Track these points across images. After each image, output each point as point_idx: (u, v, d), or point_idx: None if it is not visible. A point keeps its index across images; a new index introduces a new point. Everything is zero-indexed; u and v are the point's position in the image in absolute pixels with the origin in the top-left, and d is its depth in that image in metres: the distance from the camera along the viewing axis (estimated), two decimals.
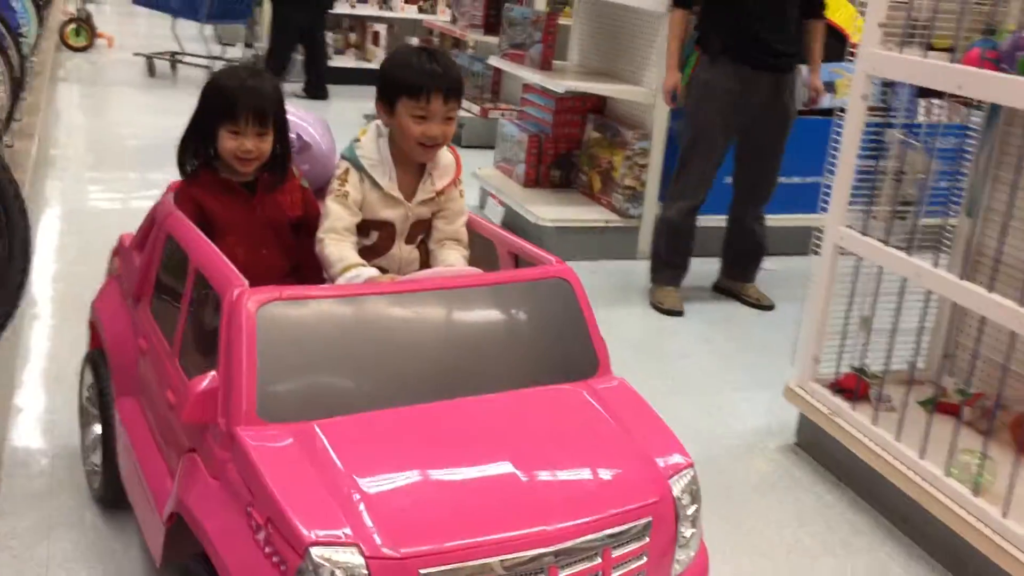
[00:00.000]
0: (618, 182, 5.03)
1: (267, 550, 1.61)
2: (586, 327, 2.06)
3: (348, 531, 1.57)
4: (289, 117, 2.41)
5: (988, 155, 2.99)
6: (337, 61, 9.68)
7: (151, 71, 9.16)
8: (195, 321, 2.04)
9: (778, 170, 4.43)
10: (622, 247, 5.00)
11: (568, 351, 2.05)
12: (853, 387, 3.02)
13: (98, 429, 2.47)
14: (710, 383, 3.65)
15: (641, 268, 4.93)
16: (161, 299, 2.27)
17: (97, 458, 2.49)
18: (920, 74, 2.70)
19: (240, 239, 2.25)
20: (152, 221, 2.37)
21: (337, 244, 2.25)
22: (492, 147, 5.91)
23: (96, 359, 2.48)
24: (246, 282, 1.86)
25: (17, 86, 4.74)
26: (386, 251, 2.37)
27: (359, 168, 2.30)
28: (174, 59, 9.32)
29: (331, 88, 9.03)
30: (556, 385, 1.98)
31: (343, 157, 2.34)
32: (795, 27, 4.22)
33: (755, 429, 3.33)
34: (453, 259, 2.35)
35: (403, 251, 2.39)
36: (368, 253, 2.33)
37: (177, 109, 8.47)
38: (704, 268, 4.67)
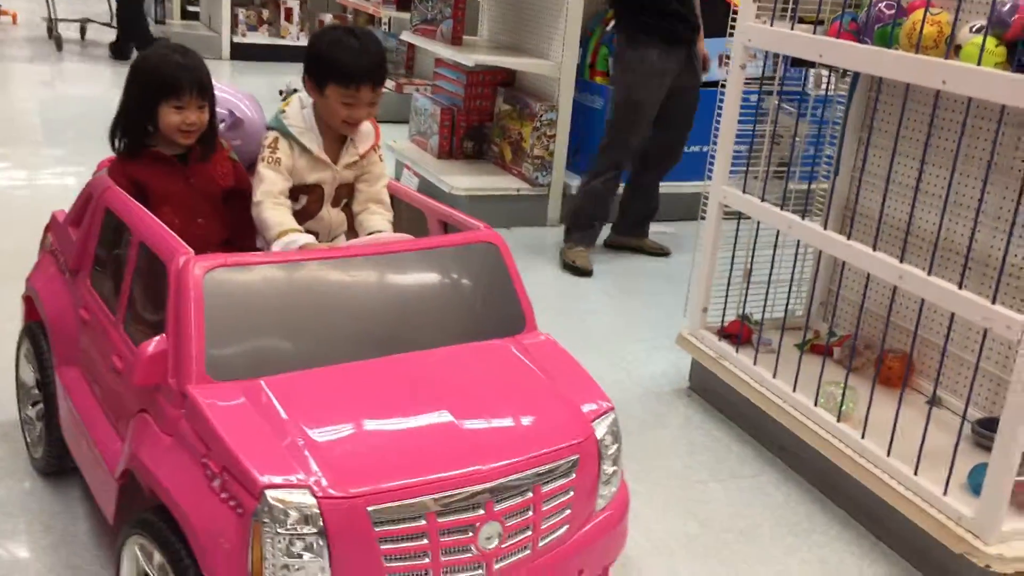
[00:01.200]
0: (528, 152, 5.18)
1: (223, 495, 1.70)
2: (513, 287, 2.18)
3: (300, 475, 1.68)
4: (221, 94, 2.50)
5: (854, 120, 3.31)
6: (250, 37, 9.67)
7: (58, 45, 9.16)
8: (139, 290, 2.10)
9: (688, 138, 4.74)
10: (532, 214, 5.17)
11: (497, 310, 2.18)
12: (738, 332, 3.33)
13: (38, 400, 2.54)
14: (614, 336, 3.88)
15: (550, 234, 5.15)
16: (101, 271, 2.33)
17: (37, 428, 2.55)
18: (788, 45, 2.96)
19: (176, 210, 2.32)
20: (88, 197, 2.41)
21: (275, 208, 2.33)
22: (406, 121, 6.01)
23: (35, 331, 2.51)
24: (191, 250, 1.93)
25: None
26: (315, 214, 2.47)
27: (288, 136, 2.39)
28: (83, 25, 9.45)
29: (245, 64, 9.06)
30: (486, 341, 2.11)
31: (270, 127, 2.43)
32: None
33: (653, 375, 3.57)
34: (379, 224, 2.46)
35: (331, 214, 2.50)
36: (298, 217, 2.42)
37: (84, 83, 8.35)
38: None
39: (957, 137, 2.51)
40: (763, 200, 3.05)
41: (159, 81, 2.30)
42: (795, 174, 3.38)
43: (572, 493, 1.91)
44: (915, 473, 2.49)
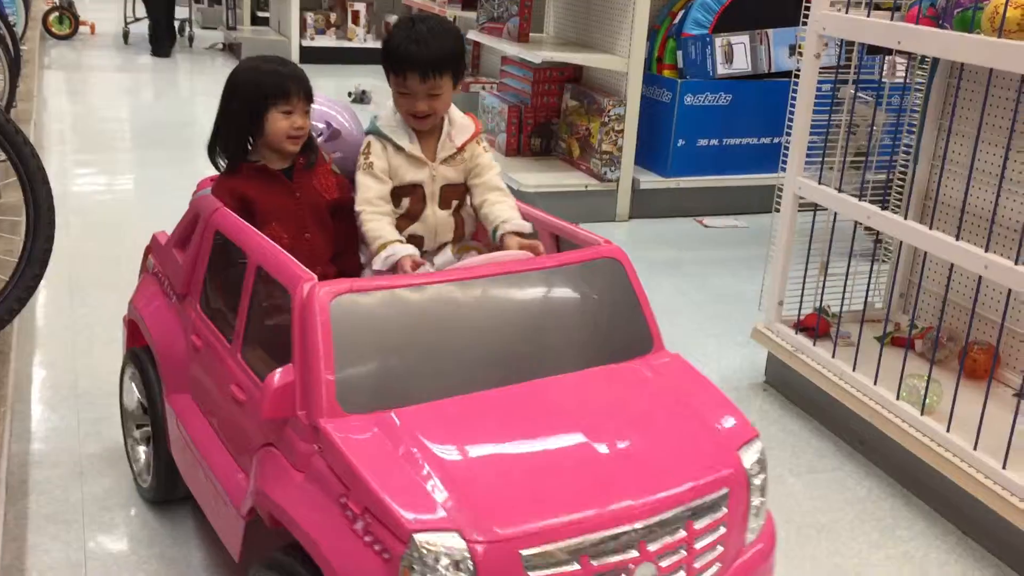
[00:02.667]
0: (596, 148, 5.12)
1: (367, 539, 1.59)
2: (639, 305, 2.05)
3: (447, 516, 1.56)
4: (317, 106, 2.40)
5: (933, 107, 3.23)
6: (319, 41, 9.81)
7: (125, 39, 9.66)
8: (257, 316, 1.99)
9: None
10: (600, 210, 5.09)
11: (624, 330, 2.05)
12: (814, 326, 3.28)
13: (143, 424, 2.46)
14: (688, 332, 3.78)
15: (619, 229, 5.10)
16: (212, 296, 2.22)
17: (143, 455, 2.47)
18: (864, 32, 2.90)
19: (284, 225, 2.24)
20: (194, 218, 2.30)
21: (375, 219, 2.24)
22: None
23: (141, 357, 2.41)
24: (314, 276, 1.82)
25: (14, 73, 4.90)
26: (419, 215, 2.34)
27: (380, 136, 2.29)
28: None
29: (314, 68, 9.21)
30: (621, 363, 1.98)
31: (366, 133, 2.33)
32: None
33: (729, 370, 3.47)
34: (506, 212, 2.31)
35: (437, 216, 2.35)
36: (402, 221, 2.32)
37: (159, 92, 8.59)
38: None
39: None
40: (840, 191, 3.01)
41: (266, 87, 2.22)
42: (872, 164, 3.33)
43: (723, 529, 1.77)
44: (1003, 467, 2.41)
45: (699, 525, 1.72)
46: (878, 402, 2.81)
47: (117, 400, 2.69)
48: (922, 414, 2.68)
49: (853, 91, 3.19)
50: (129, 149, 6.23)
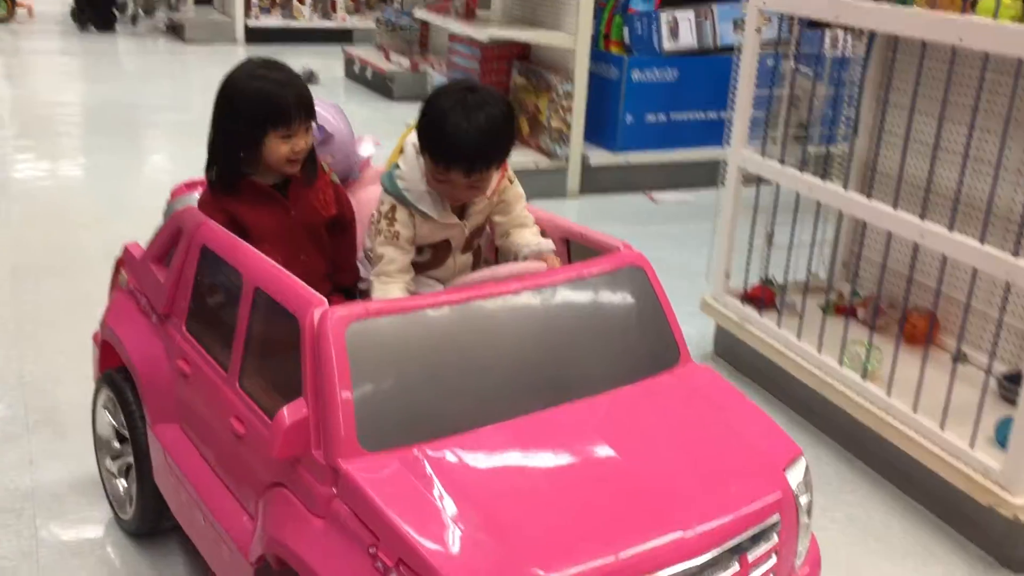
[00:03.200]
0: (545, 125, 5.05)
1: None
2: (664, 314, 1.88)
3: (491, 567, 1.39)
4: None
5: (872, 80, 3.30)
6: (264, 20, 9.66)
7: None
8: (257, 343, 1.78)
9: None
10: (552, 187, 5.01)
11: (652, 341, 1.88)
12: (760, 296, 3.33)
13: (119, 454, 2.26)
14: None
15: (570, 206, 5.05)
16: (201, 317, 1.98)
17: (120, 485, 2.27)
18: (804, 6, 2.91)
19: (277, 246, 1.97)
20: (175, 232, 2.06)
21: (385, 286, 1.98)
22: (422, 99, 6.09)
23: (117, 381, 2.17)
24: (324, 300, 1.61)
25: None
26: (442, 263, 2.09)
27: (406, 203, 1.97)
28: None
29: (259, 48, 9.10)
30: (650, 379, 1.82)
31: (386, 191, 1.99)
32: None
33: None
34: (526, 238, 2.08)
35: (458, 260, 2.10)
36: (421, 268, 2.06)
37: (102, 75, 8.46)
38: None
39: (975, 93, 2.51)
40: (782, 163, 3.06)
41: (266, 110, 1.94)
42: (814, 137, 3.39)
43: (775, 558, 1.62)
44: (942, 428, 2.42)
45: (753, 556, 1.57)
46: (822, 369, 2.84)
47: (66, 388, 2.56)
48: (864, 379, 2.74)
49: (794, 65, 3.25)
50: (72, 134, 6.04)
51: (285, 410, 1.57)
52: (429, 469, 1.53)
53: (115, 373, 2.22)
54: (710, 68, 5.18)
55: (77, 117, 6.50)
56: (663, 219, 4.95)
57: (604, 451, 1.62)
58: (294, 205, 2.05)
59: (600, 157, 5.19)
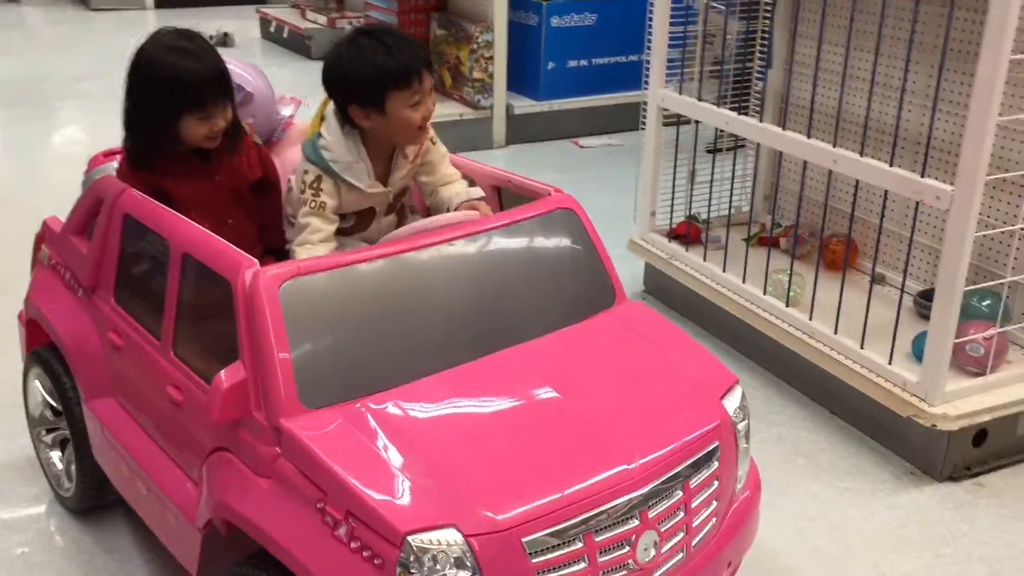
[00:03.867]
0: (467, 76, 5.01)
1: (353, 545, 1.41)
2: (598, 256, 1.90)
3: (440, 511, 1.40)
4: (228, 67, 2.06)
5: (782, 12, 3.35)
6: None
7: None
8: (188, 309, 1.75)
9: None
10: (477, 137, 4.99)
11: (587, 283, 1.89)
12: (686, 233, 3.41)
13: (54, 428, 2.23)
14: None
15: (498, 155, 5.01)
16: (128, 288, 1.95)
17: (57, 462, 2.25)
18: None
19: (204, 213, 1.91)
20: (96, 202, 2.00)
21: (309, 253, 1.93)
22: None
23: (47, 358, 2.13)
24: (255, 261, 1.59)
25: None
26: (367, 227, 2.09)
27: (332, 174, 1.95)
28: None
29: (172, 13, 8.85)
30: (587, 320, 1.83)
31: (310, 161, 1.95)
32: None
33: None
34: (455, 189, 2.08)
35: (382, 223, 2.09)
36: (345, 232, 2.05)
37: (6, 47, 8.07)
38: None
39: (878, 20, 2.57)
40: (700, 100, 3.12)
41: (179, 93, 1.87)
42: (730, 73, 3.45)
43: (717, 483, 1.66)
44: (861, 347, 2.49)
45: (695, 483, 1.61)
46: (747, 299, 2.93)
47: None
48: (787, 306, 2.83)
49: (706, 2, 3.29)
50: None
51: (223, 374, 1.56)
52: (372, 422, 1.53)
53: (43, 350, 2.18)
54: (629, 10, 5.19)
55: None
56: (591, 164, 4.99)
57: (545, 393, 1.64)
58: (218, 170, 2.00)
59: (524, 105, 5.19)
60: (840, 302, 2.62)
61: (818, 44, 2.67)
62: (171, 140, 1.94)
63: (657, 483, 1.55)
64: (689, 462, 1.60)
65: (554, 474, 1.49)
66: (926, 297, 2.76)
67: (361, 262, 1.67)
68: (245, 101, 2.20)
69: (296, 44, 7.35)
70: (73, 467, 2.17)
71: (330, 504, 1.45)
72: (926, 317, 2.61)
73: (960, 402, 2.39)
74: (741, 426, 1.75)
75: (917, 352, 2.51)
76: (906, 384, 2.43)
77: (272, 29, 7.71)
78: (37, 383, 2.24)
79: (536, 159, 4.99)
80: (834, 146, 2.56)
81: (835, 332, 2.63)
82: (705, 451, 1.64)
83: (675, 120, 3.19)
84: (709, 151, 3.25)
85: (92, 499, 2.18)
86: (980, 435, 2.45)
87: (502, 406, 1.62)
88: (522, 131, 5.18)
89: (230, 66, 2.14)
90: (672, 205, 3.28)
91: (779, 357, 2.86)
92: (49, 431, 2.27)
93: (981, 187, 2.20)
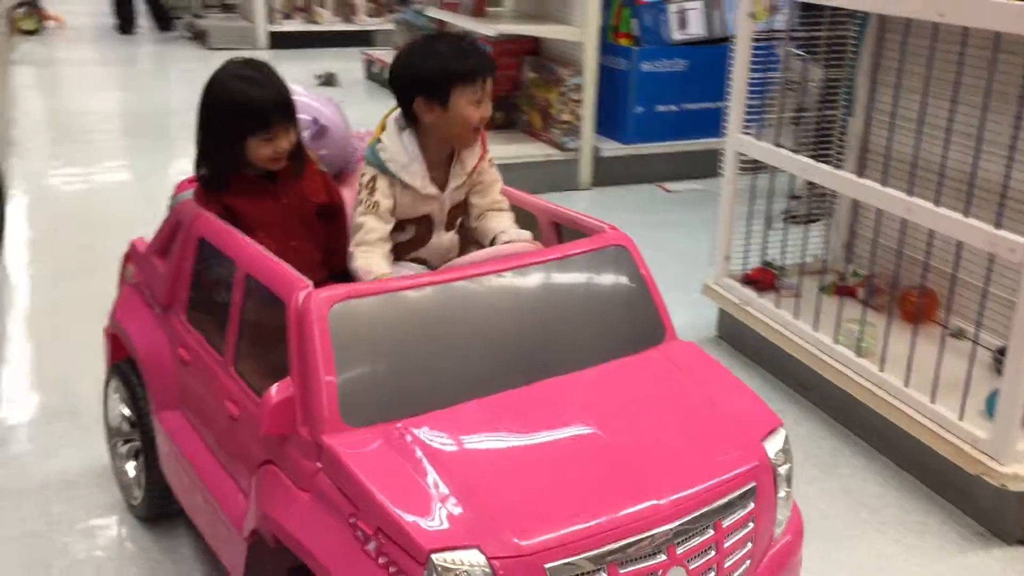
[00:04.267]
0: (555, 118, 5.06)
1: (381, 561, 1.46)
2: (649, 293, 1.92)
3: (465, 532, 1.43)
4: (303, 100, 2.22)
5: (864, 60, 3.32)
6: (286, 26, 9.76)
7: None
8: (249, 327, 1.84)
9: None
10: (563, 178, 5.04)
11: (636, 319, 1.91)
12: (760, 278, 3.37)
13: (130, 439, 2.33)
14: None
15: (582, 197, 5.06)
16: (199, 306, 2.05)
17: (131, 471, 2.34)
18: None
19: (269, 233, 2.02)
20: (175, 225, 2.12)
21: (366, 255, 2.03)
22: None
23: (125, 371, 2.25)
24: (310, 283, 1.66)
25: None
26: (425, 243, 2.15)
27: (387, 173, 2.05)
28: None
29: (282, 53, 9.25)
30: (633, 355, 1.85)
31: (368, 163, 2.07)
32: None
33: (682, 325, 3.67)
34: (503, 224, 2.13)
35: (443, 239, 2.17)
36: (406, 248, 2.12)
37: (130, 83, 8.62)
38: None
39: (957, 68, 2.53)
40: (778, 146, 3.10)
41: (244, 115, 1.99)
42: (810, 119, 3.41)
43: (752, 525, 1.65)
44: (932, 401, 2.44)
45: (728, 523, 1.60)
46: (817, 347, 2.87)
47: (85, 382, 2.64)
48: (858, 356, 2.78)
49: (790, 49, 3.28)
50: (103, 140, 6.13)
51: (273, 389, 1.62)
52: (409, 443, 1.57)
53: (123, 364, 2.29)
54: (719, 57, 5.15)
55: (108, 124, 6.64)
56: (676, 208, 4.98)
57: (582, 424, 1.66)
58: (284, 193, 2.10)
59: (612, 148, 5.23)
60: (911, 354, 2.55)
61: (895, 91, 2.64)
62: (239, 162, 2.04)
63: (686, 520, 1.55)
64: (722, 501, 1.60)
65: (583, 503, 1.51)
66: (1004, 353, 2.66)
67: (410, 288, 1.73)
68: (320, 134, 2.30)
69: None
70: (142, 476, 2.27)
71: (362, 520, 1.50)
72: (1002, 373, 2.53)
73: None
74: (783, 469, 1.73)
75: (991, 409, 2.43)
76: (976, 441, 2.35)
77: (375, 70, 7.97)
78: (116, 395, 2.35)
79: (621, 201, 5.02)
80: (909, 195, 2.52)
81: (906, 384, 2.57)
82: (740, 491, 1.63)
83: (753, 166, 3.18)
84: (787, 219, 3.24)
85: (158, 508, 2.27)
86: None
87: (538, 434, 1.65)
88: (609, 174, 5.22)
89: (307, 100, 2.27)
90: (747, 250, 3.26)
91: (848, 408, 2.80)
92: (125, 442, 2.38)
93: None
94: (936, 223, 2.43)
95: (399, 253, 2.12)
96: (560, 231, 2.15)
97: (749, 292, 3.22)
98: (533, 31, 5.12)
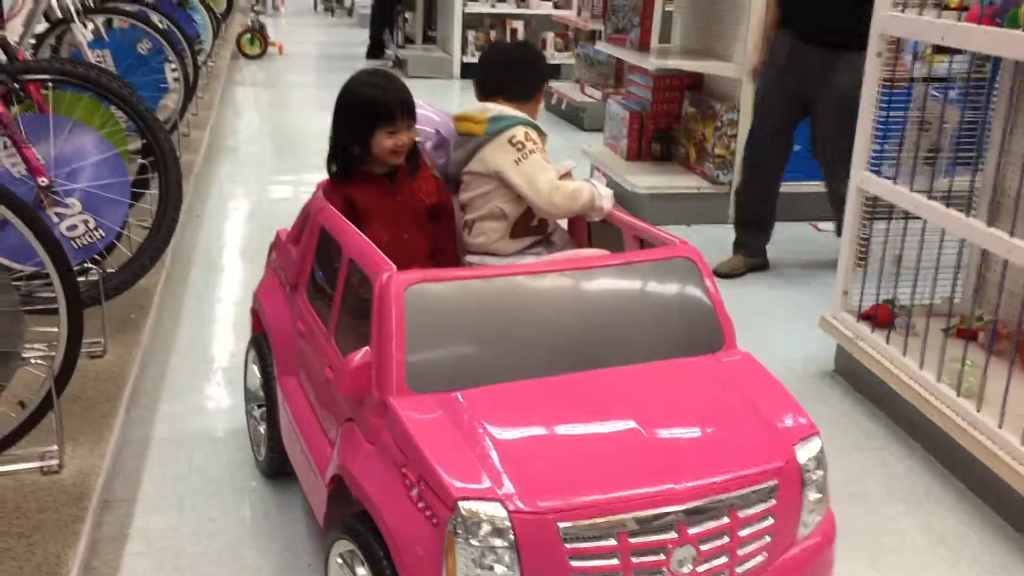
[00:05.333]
0: (709, 152, 5.14)
1: (420, 504, 1.66)
2: (711, 304, 2.04)
3: (492, 487, 1.61)
4: (426, 113, 2.53)
5: (999, 104, 3.24)
6: (478, 57, 10.41)
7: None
8: (349, 304, 2.09)
9: (832, 143, 4.31)
10: (713, 212, 5.13)
11: (694, 326, 2.04)
12: (876, 315, 3.27)
13: (262, 403, 2.60)
14: (778, 325, 3.90)
15: (731, 231, 5.25)
16: (317, 286, 2.34)
17: (261, 431, 2.62)
18: (915, 30, 2.93)
19: (384, 225, 2.32)
20: (306, 216, 2.43)
21: (578, 185, 2.43)
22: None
23: (260, 342, 2.56)
24: (394, 266, 1.90)
25: (190, 84, 5.64)
26: (545, 231, 2.56)
27: (535, 127, 2.51)
28: None
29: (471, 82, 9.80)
30: (688, 358, 1.98)
31: (518, 122, 2.47)
32: (849, 6, 4.11)
33: (802, 358, 3.55)
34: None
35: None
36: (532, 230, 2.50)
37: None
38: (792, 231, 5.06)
39: None
40: (893, 181, 3.10)
41: (373, 110, 2.31)
42: (943, 162, 3.38)
43: (772, 520, 1.75)
44: (1022, 443, 2.47)
45: (744, 514, 1.71)
46: (922, 384, 2.87)
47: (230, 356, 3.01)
48: (958, 395, 2.76)
49: (926, 90, 3.27)
50: (311, 154, 6.87)
51: (355, 355, 1.88)
52: (462, 410, 1.78)
53: (259, 336, 2.63)
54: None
55: (314, 141, 7.27)
56: (824, 247, 4.96)
57: (622, 411, 1.82)
58: (399, 191, 2.39)
59: None
60: (1006, 395, 2.53)
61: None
62: (365, 156, 2.35)
63: (698, 503, 1.67)
64: (739, 493, 1.71)
65: (604, 479, 1.67)
66: None
67: (480, 278, 1.96)
68: (440, 143, 2.58)
69: (571, 115, 7.87)
70: (266, 435, 2.58)
71: (409, 469, 1.72)
72: None
73: None
74: (815, 476, 1.82)
75: None
76: None
77: (554, 101, 8.28)
78: (253, 364, 2.69)
79: (772, 238, 5.00)
80: (1011, 235, 2.51)
81: (999, 427, 2.54)
82: (760, 487, 1.74)
83: (887, 212, 3.20)
84: None
85: (278, 465, 2.56)
86: None
87: (579, 415, 1.82)
88: None
89: (431, 113, 2.57)
90: (863, 287, 3.28)
91: (947, 447, 2.79)
92: (259, 406, 2.70)
93: None
94: None
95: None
96: (643, 246, 2.32)
97: (863, 327, 3.23)
98: (690, 66, 5.25)
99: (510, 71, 2.56)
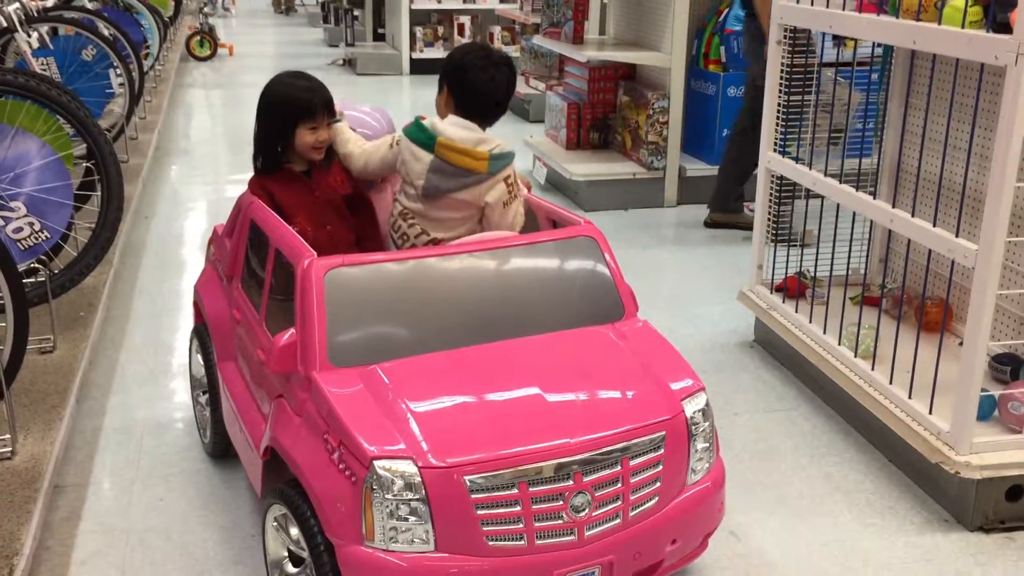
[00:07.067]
0: (643, 139, 5.36)
1: (341, 466, 1.83)
2: (611, 277, 2.23)
3: (403, 447, 1.79)
4: (354, 113, 2.68)
5: (895, 86, 3.46)
6: (427, 53, 10.42)
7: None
8: (277, 290, 2.26)
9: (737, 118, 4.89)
10: (648, 196, 5.36)
11: (596, 299, 2.21)
12: (787, 287, 3.51)
13: (206, 390, 2.75)
14: (702, 298, 4.14)
15: (666, 214, 5.29)
16: (249, 275, 2.49)
17: (205, 415, 2.76)
18: (805, 19, 3.12)
19: (307, 219, 2.46)
20: (238, 211, 2.57)
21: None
22: None
23: (201, 332, 2.72)
24: (315, 253, 2.06)
25: (136, 89, 5.76)
26: None
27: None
28: None
29: (422, 78, 9.92)
30: (587, 327, 2.16)
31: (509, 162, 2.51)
32: None
33: (724, 331, 3.79)
34: None
35: None
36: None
37: None
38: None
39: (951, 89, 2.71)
40: (796, 160, 3.32)
41: (295, 107, 2.46)
42: (845, 141, 3.60)
43: (661, 467, 1.93)
44: (909, 397, 2.63)
45: (635, 462, 1.90)
46: (826, 348, 3.08)
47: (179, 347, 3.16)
48: (855, 356, 2.98)
49: (832, 74, 3.50)
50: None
51: (282, 335, 2.05)
52: (379, 381, 1.95)
53: (200, 327, 2.78)
54: None
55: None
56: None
57: (526, 377, 2.00)
58: (316, 187, 2.55)
59: (697, 168, 5.48)
60: (894, 353, 2.75)
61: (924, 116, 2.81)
62: (287, 151, 2.50)
63: (591, 454, 1.85)
64: (627, 444, 1.90)
65: (505, 435, 1.85)
66: (999, 360, 2.83)
67: (393, 261, 2.13)
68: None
69: (517, 107, 8.04)
70: (210, 418, 2.73)
71: (331, 435, 1.89)
72: (1000, 380, 2.70)
73: (990, 454, 2.47)
74: (701, 427, 2.02)
75: (980, 411, 2.59)
76: (940, 433, 2.54)
77: None
78: (196, 353, 2.85)
79: (702, 218, 5.24)
80: (893, 206, 2.73)
81: (890, 382, 2.77)
82: (648, 438, 1.93)
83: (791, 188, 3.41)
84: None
85: (222, 447, 2.72)
86: (1014, 490, 2.51)
87: (486, 380, 2.00)
88: (694, 192, 5.46)
89: (360, 114, 2.73)
90: (775, 260, 3.49)
91: (847, 404, 3.01)
92: (204, 392, 2.85)
93: (1002, 246, 2.32)
94: (912, 232, 2.63)
95: None
96: (555, 226, 2.49)
97: (776, 299, 3.45)
98: (621, 57, 5.45)
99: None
